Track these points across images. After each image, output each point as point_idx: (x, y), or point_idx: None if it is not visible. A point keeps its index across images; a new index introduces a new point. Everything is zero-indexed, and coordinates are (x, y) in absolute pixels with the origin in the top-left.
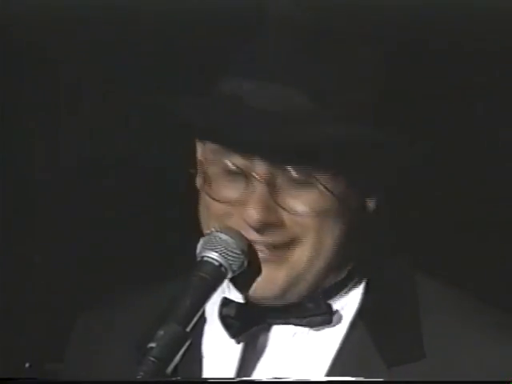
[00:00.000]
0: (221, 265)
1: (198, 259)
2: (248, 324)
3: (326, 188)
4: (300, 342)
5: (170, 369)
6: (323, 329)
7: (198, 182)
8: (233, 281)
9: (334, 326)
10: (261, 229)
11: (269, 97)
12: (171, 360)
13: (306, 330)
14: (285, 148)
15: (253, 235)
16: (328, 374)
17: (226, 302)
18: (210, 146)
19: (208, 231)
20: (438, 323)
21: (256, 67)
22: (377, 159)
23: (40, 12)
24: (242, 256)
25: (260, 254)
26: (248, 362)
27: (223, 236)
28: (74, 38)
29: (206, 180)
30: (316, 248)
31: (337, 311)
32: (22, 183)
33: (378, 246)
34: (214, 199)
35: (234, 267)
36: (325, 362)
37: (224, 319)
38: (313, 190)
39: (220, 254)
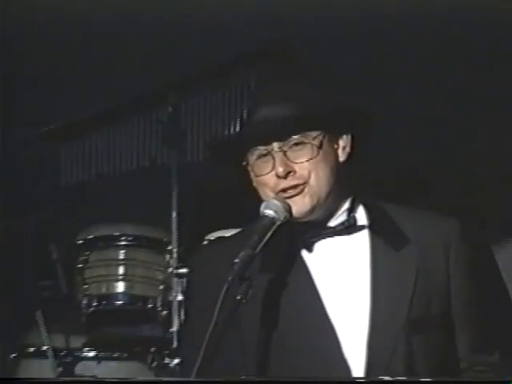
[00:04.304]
0: (273, 217)
1: (261, 214)
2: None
3: (313, 144)
4: (340, 246)
5: (247, 273)
6: (349, 232)
7: (249, 169)
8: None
9: (355, 231)
10: (285, 176)
11: (266, 115)
12: (247, 269)
13: (338, 237)
14: (285, 127)
15: (283, 183)
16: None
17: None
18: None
19: (265, 197)
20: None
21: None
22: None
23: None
24: (285, 212)
25: (292, 194)
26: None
27: (275, 201)
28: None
29: (252, 166)
30: (319, 178)
31: (354, 219)
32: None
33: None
34: (258, 175)
35: (282, 218)
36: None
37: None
38: (305, 146)
39: (273, 211)
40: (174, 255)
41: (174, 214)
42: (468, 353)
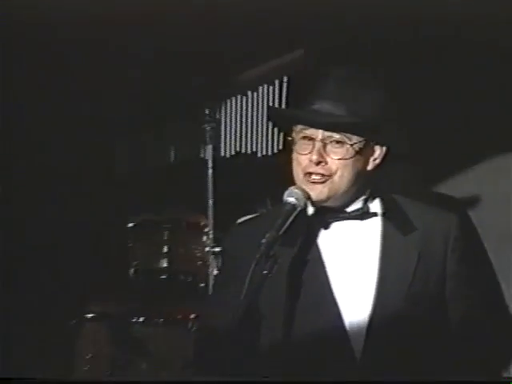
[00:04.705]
0: (295, 204)
1: (284, 201)
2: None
3: (349, 145)
4: (353, 229)
5: (274, 250)
6: (362, 218)
7: (293, 144)
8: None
9: (368, 217)
10: (317, 163)
11: (322, 107)
12: (272, 248)
13: (351, 221)
14: (331, 125)
15: (312, 168)
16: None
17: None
18: (299, 126)
19: (296, 174)
20: None
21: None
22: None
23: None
24: (305, 200)
25: (316, 181)
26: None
27: (296, 190)
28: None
29: (295, 143)
30: (343, 177)
31: (368, 208)
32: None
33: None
34: (299, 153)
35: (301, 204)
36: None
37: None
38: (343, 146)
39: (295, 198)
40: (210, 236)
41: (210, 202)
42: (458, 326)
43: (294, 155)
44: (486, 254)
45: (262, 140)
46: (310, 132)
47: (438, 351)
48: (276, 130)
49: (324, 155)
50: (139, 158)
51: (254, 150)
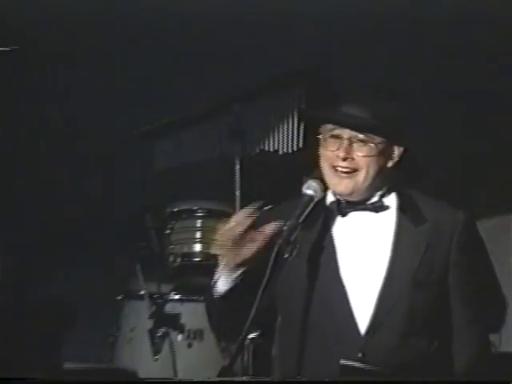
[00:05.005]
0: (312, 196)
1: (303, 193)
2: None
3: (374, 144)
4: (369, 222)
5: (294, 236)
6: (377, 210)
7: (321, 141)
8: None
9: (383, 210)
10: (344, 159)
11: (350, 109)
12: (292, 234)
13: (370, 213)
14: (358, 126)
15: (339, 162)
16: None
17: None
18: (328, 126)
19: (324, 168)
20: None
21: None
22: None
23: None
24: (322, 192)
25: (341, 174)
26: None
27: (314, 183)
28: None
29: (323, 139)
30: (367, 172)
31: (383, 202)
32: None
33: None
34: (327, 149)
35: (318, 196)
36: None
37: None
38: (368, 145)
39: (313, 190)
40: None
41: (237, 194)
42: (459, 310)
43: (322, 151)
44: (484, 249)
45: (282, 139)
46: (338, 131)
47: (439, 334)
48: (295, 130)
49: (350, 152)
50: (177, 155)
51: (276, 148)
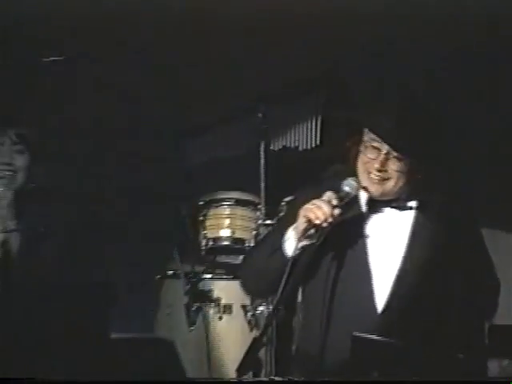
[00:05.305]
0: (349, 192)
1: (341, 189)
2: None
3: (407, 164)
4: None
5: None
6: (400, 209)
7: (361, 149)
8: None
9: (404, 209)
10: (379, 169)
11: (387, 123)
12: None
13: (396, 211)
14: (401, 146)
15: (374, 170)
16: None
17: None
18: (369, 135)
19: (359, 170)
20: None
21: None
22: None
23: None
24: (357, 190)
25: (373, 180)
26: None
27: (352, 182)
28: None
29: (364, 145)
30: (396, 181)
31: (405, 203)
32: None
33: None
34: (365, 156)
35: (354, 193)
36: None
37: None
38: (402, 162)
39: (349, 188)
40: (263, 211)
41: (263, 185)
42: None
43: (361, 156)
44: (481, 239)
45: (302, 137)
46: (379, 145)
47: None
48: (313, 129)
49: (385, 165)
50: (210, 151)
51: (296, 145)
